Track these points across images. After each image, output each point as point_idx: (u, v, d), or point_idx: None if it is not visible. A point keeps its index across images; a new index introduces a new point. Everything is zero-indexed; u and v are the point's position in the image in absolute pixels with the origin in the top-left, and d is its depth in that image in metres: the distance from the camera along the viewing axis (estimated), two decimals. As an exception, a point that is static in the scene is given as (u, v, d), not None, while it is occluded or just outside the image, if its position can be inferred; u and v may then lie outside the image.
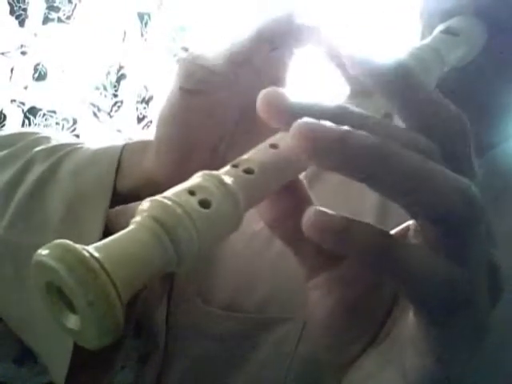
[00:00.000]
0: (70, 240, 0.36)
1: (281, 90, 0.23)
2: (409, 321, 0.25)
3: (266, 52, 0.33)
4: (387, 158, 0.21)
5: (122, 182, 0.40)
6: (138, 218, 0.21)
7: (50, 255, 0.19)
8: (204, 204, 0.22)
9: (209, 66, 0.34)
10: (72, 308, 0.19)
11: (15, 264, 0.39)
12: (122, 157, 0.40)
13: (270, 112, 0.23)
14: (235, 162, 0.25)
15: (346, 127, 0.21)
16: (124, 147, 0.41)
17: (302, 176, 0.28)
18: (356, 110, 0.24)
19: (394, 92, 0.24)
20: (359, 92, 0.30)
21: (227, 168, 0.24)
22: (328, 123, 0.21)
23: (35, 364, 0.48)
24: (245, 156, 0.25)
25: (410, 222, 0.26)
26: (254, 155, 0.25)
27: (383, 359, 0.27)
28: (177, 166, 0.36)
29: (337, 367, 0.29)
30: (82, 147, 0.43)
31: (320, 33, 0.32)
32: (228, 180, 0.23)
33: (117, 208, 0.40)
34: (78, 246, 0.19)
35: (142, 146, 0.40)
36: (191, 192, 0.22)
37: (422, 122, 0.24)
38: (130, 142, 0.42)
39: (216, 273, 0.48)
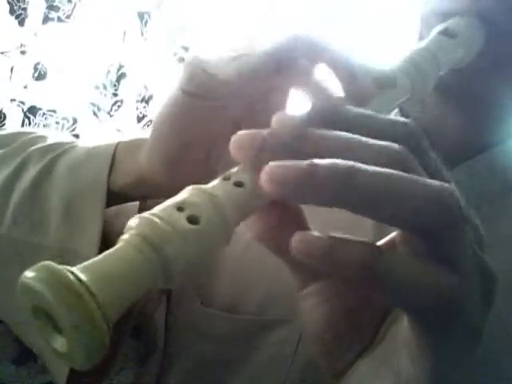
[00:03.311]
0: (71, 238, 0.36)
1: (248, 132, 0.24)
2: (403, 326, 0.25)
3: (271, 74, 0.32)
4: (352, 183, 0.21)
5: (116, 180, 0.40)
6: (126, 236, 0.21)
7: (36, 278, 0.19)
8: (192, 220, 0.22)
9: (210, 72, 0.34)
10: (59, 330, 0.19)
11: (20, 263, 0.39)
12: (115, 154, 0.40)
13: (240, 154, 0.24)
14: (226, 174, 0.25)
15: (307, 162, 0.21)
16: (118, 145, 0.41)
17: None
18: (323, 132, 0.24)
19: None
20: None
21: (218, 181, 0.24)
22: (291, 163, 0.21)
23: (35, 364, 0.48)
24: (235, 169, 0.25)
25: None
26: (245, 168, 0.25)
27: (378, 364, 0.27)
28: (169, 166, 0.36)
29: (333, 373, 0.29)
30: (76, 145, 0.43)
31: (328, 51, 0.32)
32: (218, 194, 0.23)
33: (112, 208, 0.40)
34: (63, 268, 0.19)
35: (137, 143, 0.40)
36: (180, 208, 0.22)
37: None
38: (124, 140, 0.42)
39: (216, 275, 0.48)
